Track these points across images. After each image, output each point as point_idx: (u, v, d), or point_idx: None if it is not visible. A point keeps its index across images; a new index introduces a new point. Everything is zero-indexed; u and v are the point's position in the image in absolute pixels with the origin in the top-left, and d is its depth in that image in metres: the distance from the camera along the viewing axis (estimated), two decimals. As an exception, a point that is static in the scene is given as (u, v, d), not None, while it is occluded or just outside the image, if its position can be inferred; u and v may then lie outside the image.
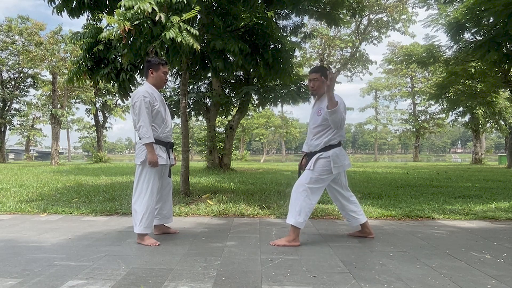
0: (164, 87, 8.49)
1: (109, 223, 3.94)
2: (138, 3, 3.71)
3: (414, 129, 33.00)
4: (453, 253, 2.83)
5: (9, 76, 26.85)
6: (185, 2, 3.97)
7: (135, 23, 3.92)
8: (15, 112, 28.37)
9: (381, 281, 2.22)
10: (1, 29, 23.14)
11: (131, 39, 4.25)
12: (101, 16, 4.39)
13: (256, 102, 12.29)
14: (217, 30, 5.26)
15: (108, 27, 4.90)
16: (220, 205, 4.79)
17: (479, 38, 8.87)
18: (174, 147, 3.50)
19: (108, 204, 4.93)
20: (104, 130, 29.62)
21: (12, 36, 23.13)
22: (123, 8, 3.82)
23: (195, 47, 3.97)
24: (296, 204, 3.00)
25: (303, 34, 9.47)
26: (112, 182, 8.06)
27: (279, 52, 5.89)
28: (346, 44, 21.42)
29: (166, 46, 4.24)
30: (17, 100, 27.75)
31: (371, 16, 21.73)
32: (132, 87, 5.51)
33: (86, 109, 29.65)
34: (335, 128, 3.01)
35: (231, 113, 13.01)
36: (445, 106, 17.62)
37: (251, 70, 7.03)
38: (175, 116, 11.77)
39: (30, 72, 26.04)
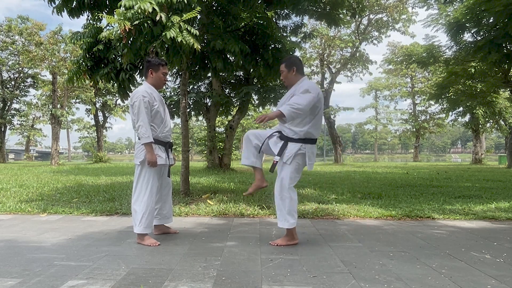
0: (164, 87, 8.50)
1: (109, 223, 3.94)
2: (139, 3, 3.71)
3: (414, 129, 32.99)
4: (453, 253, 2.83)
5: (9, 76, 26.87)
6: (186, 2, 3.96)
7: (135, 23, 3.92)
8: (15, 112, 28.39)
9: (381, 281, 2.22)
10: (1, 29, 23.15)
11: (131, 39, 4.25)
12: (101, 16, 4.39)
13: (256, 102, 12.29)
14: (217, 30, 5.25)
15: (108, 27, 4.90)
16: (220, 205, 4.79)
17: (479, 38, 8.87)
18: (174, 147, 3.50)
19: (108, 204, 4.93)
20: (104, 130, 29.66)
21: (12, 36, 23.13)
22: (123, 8, 3.82)
23: (195, 47, 3.97)
24: (283, 208, 2.98)
25: (303, 34, 9.46)
26: (112, 182, 8.06)
27: (279, 52, 5.89)
28: (346, 44, 21.43)
29: (167, 46, 4.24)
30: (17, 100, 27.77)
31: (371, 16, 21.75)
32: (132, 87, 5.51)
33: (86, 109, 29.70)
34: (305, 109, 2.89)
35: (231, 113, 13.01)
36: (445, 106, 17.61)
37: (251, 70, 7.01)
38: (175, 116, 11.77)
39: (30, 72, 26.05)
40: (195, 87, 12.79)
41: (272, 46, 6.00)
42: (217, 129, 14.17)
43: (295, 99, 2.91)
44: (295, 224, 3.00)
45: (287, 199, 2.98)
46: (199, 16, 5.09)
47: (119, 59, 5.20)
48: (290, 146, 2.99)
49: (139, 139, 3.11)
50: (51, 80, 21.14)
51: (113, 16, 4.06)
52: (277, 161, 3.03)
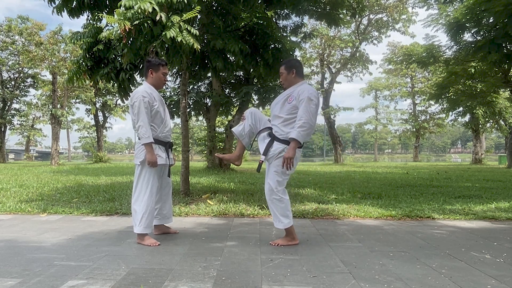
0: (164, 87, 8.50)
1: (109, 223, 3.94)
2: (139, 2, 3.71)
3: (414, 129, 32.98)
4: (453, 253, 2.83)
5: (9, 76, 26.85)
6: (186, 2, 3.96)
7: (135, 22, 3.92)
8: (15, 112, 28.37)
9: (381, 281, 2.22)
10: (1, 29, 23.14)
11: (131, 39, 4.25)
12: (101, 16, 4.38)
13: (256, 102, 12.30)
14: (217, 30, 5.26)
15: (108, 27, 4.90)
16: (220, 205, 4.79)
17: (479, 38, 8.88)
18: (174, 147, 3.50)
19: (108, 204, 4.93)
20: (104, 130, 29.65)
21: (12, 36, 23.12)
22: (123, 8, 3.82)
23: (195, 47, 3.97)
24: (276, 211, 3.01)
25: (303, 34, 9.46)
26: (112, 182, 8.06)
27: (279, 52, 5.89)
28: (346, 44, 21.43)
29: (167, 46, 4.24)
30: (17, 100, 27.74)
31: (371, 16, 21.75)
32: (132, 87, 5.51)
33: (86, 109, 29.69)
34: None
35: (231, 113, 13.01)
36: (445, 106, 17.61)
37: (251, 70, 7.02)
38: (175, 116, 11.77)
39: (30, 72, 26.03)
40: (195, 87, 12.80)
41: (272, 46, 6.00)
42: (217, 129, 14.17)
43: (301, 114, 2.87)
44: (290, 224, 3.00)
45: (277, 201, 2.99)
46: (199, 16, 5.09)
47: (119, 59, 5.20)
48: (275, 146, 2.98)
49: (139, 139, 3.11)
50: (51, 80, 21.13)
51: (113, 16, 4.06)
52: (263, 161, 3.04)
